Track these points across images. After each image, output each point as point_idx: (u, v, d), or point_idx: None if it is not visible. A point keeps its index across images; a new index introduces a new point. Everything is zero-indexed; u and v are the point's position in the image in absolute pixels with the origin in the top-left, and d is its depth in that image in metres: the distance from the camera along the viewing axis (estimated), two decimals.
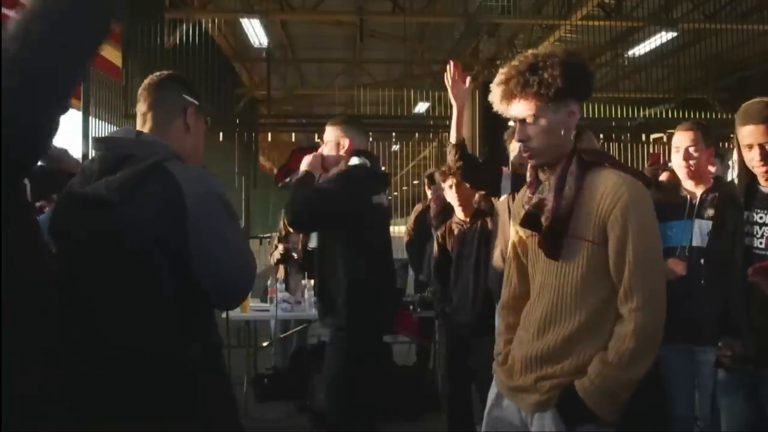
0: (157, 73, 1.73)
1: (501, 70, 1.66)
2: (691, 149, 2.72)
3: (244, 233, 7.69)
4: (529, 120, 1.63)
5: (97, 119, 6.81)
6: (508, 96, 1.63)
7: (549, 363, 1.66)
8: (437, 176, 3.76)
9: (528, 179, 1.77)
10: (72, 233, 1.52)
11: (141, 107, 1.68)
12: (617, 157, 9.12)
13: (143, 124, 1.66)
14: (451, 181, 3.49)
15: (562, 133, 1.63)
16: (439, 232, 3.76)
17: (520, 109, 1.63)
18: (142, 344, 1.46)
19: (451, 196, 3.54)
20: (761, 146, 2.18)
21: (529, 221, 1.69)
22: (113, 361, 1.45)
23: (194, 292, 1.51)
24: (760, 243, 2.22)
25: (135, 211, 1.44)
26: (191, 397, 1.50)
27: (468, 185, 3.28)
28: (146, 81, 1.71)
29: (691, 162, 2.73)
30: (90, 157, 1.60)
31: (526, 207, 1.70)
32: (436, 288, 3.93)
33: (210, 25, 10.45)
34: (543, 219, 1.64)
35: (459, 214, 3.61)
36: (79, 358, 1.42)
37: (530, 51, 1.66)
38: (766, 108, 2.19)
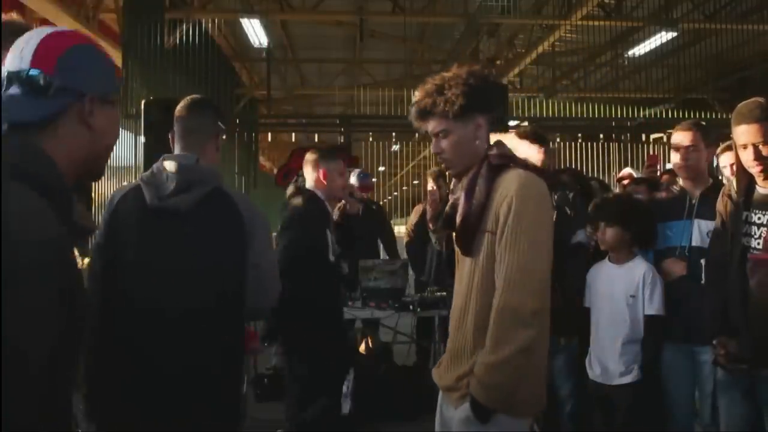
0: (197, 96, 2.02)
1: (416, 93, 1.83)
2: (691, 149, 2.73)
3: None
4: (441, 135, 1.80)
5: None
6: (422, 115, 1.81)
7: (464, 357, 1.76)
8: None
9: (452, 186, 1.93)
10: (144, 241, 1.78)
11: (183, 124, 1.94)
12: (617, 157, 9.13)
13: (183, 141, 1.93)
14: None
15: (472, 144, 1.79)
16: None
17: (432, 126, 1.80)
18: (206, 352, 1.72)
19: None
20: (755, 146, 2.19)
21: (447, 221, 1.87)
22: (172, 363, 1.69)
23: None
24: (758, 243, 2.22)
25: (209, 222, 1.77)
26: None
27: None
28: (190, 102, 1.99)
29: (690, 162, 2.73)
30: (152, 171, 1.86)
31: (447, 208, 1.88)
32: (449, 285, 3.89)
33: (210, 25, 10.45)
34: (457, 217, 1.79)
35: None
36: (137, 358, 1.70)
37: (442, 74, 1.82)
38: (759, 108, 2.20)
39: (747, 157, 2.23)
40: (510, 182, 1.71)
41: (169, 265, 1.74)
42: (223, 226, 1.78)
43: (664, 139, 8.68)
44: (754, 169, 2.22)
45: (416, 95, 1.82)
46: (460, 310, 1.81)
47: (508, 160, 1.79)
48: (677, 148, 2.76)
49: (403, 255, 6.02)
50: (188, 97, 2.02)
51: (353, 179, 5.29)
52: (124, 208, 1.83)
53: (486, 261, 1.73)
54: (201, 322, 1.72)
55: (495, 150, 1.80)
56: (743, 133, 2.22)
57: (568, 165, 8.60)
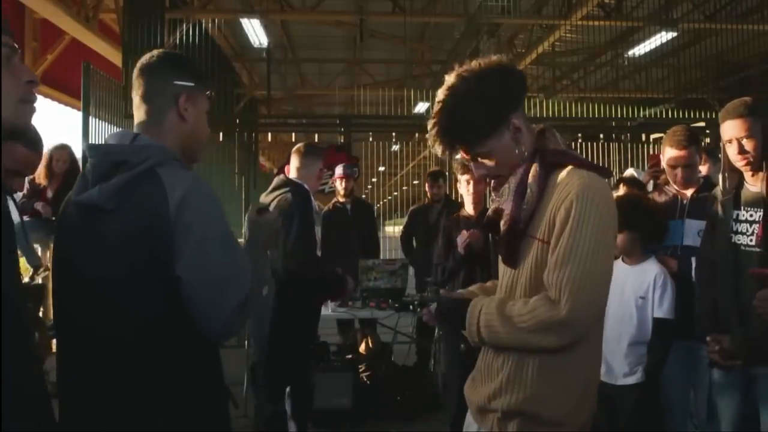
0: (148, 55, 1.59)
1: (429, 134, 1.58)
2: (688, 165, 2.84)
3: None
4: (481, 158, 1.60)
5: (97, 119, 6.78)
6: (446, 151, 1.60)
7: (489, 377, 1.61)
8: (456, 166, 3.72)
9: (493, 184, 1.69)
10: (68, 240, 1.51)
11: (134, 98, 1.57)
12: (617, 157, 9.12)
13: (138, 118, 1.56)
14: (468, 175, 3.49)
15: (515, 149, 1.57)
16: (445, 225, 3.73)
17: (466, 154, 1.61)
18: (129, 351, 1.41)
19: (464, 190, 3.53)
20: (738, 140, 2.25)
21: (489, 225, 1.68)
22: (104, 364, 1.42)
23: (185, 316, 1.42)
24: (750, 240, 2.25)
25: (127, 219, 1.39)
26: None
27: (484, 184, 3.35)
28: (137, 65, 1.58)
29: (687, 176, 2.84)
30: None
31: (489, 212, 1.68)
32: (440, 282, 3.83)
33: (210, 25, 10.45)
34: (502, 223, 1.60)
35: (468, 209, 3.59)
36: (71, 361, 1.48)
37: (441, 95, 1.57)
38: (742, 104, 2.26)
39: (732, 152, 2.28)
40: (568, 184, 1.49)
41: (84, 267, 1.44)
42: (146, 222, 1.38)
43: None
44: (740, 163, 2.27)
45: (430, 136, 1.58)
46: None
47: (564, 157, 1.57)
48: (674, 166, 2.81)
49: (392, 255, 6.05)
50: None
51: (339, 169, 5.64)
52: (62, 208, 1.56)
53: (533, 272, 1.53)
54: (109, 342, 1.41)
55: (546, 142, 1.58)
56: (728, 128, 2.29)
57: None
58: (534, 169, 1.55)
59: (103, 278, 1.40)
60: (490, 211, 1.67)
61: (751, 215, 2.27)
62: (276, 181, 3.40)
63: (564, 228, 1.46)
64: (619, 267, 2.81)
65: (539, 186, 1.53)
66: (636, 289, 2.71)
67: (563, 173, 1.53)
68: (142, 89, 1.55)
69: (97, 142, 1.51)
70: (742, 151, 2.25)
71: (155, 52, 1.61)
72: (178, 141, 1.54)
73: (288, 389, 3.05)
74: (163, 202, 1.37)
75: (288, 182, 3.33)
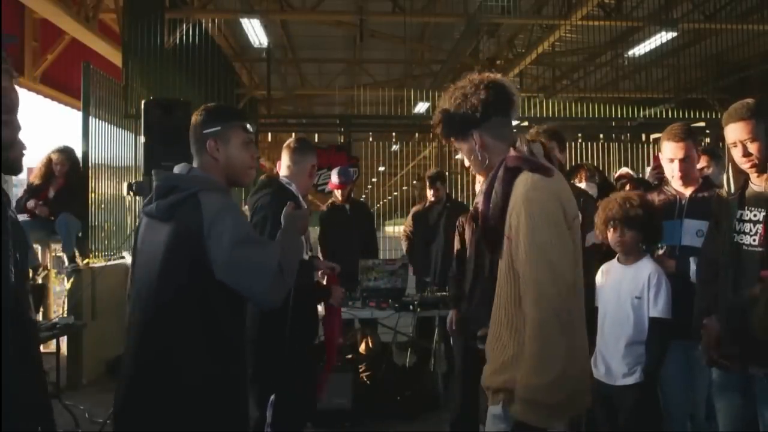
0: (198, 111, 2.12)
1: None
2: (686, 160, 2.83)
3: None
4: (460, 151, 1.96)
5: (97, 119, 6.77)
6: (443, 139, 1.99)
7: (491, 362, 1.81)
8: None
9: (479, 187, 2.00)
10: (140, 237, 2.09)
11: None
12: (617, 157, 9.13)
13: (193, 160, 2.11)
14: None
15: (479, 156, 1.85)
16: (458, 227, 3.70)
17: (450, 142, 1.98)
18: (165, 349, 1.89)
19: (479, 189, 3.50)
20: (742, 143, 2.26)
21: (473, 222, 1.94)
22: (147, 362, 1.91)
23: (217, 299, 1.91)
24: (753, 240, 2.26)
25: (173, 228, 1.92)
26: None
27: None
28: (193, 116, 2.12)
29: (685, 172, 2.83)
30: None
31: (471, 209, 1.96)
32: (453, 286, 3.79)
33: (210, 25, 10.45)
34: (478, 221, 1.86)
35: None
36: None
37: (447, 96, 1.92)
38: (744, 107, 2.27)
39: (737, 155, 2.29)
40: (518, 188, 1.72)
41: (149, 260, 1.98)
42: (183, 228, 1.91)
43: None
44: (745, 165, 2.28)
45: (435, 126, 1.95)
46: (493, 306, 1.85)
47: (521, 162, 1.77)
48: (671, 160, 2.81)
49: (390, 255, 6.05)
50: None
51: (334, 178, 5.49)
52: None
53: (507, 266, 1.74)
54: (159, 311, 1.93)
55: (514, 151, 1.80)
56: (732, 131, 2.29)
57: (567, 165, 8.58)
58: (499, 173, 1.79)
59: (156, 264, 1.94)
60: (472, 209, 1.94)
61: (755, 215, 2.27)
62: (260, 182, 3.16)
63: (518, 227, 1.68)
64: (615, 267, 2.82)
65: (503, 188, 1.76)
66: (632, 289, 2.71)
67: (519, 177, 1.75)
68: (190, 141, 2.11)
69: (159, 168, 2.20)
70: (746, 153, 2.26)
71: (200, 109, 2.13)
72: (217, 174, 2.07)
73: (272, 398, 2.73)
74: (199, 219, 1.89)
75: (270, 183, 3.11)
